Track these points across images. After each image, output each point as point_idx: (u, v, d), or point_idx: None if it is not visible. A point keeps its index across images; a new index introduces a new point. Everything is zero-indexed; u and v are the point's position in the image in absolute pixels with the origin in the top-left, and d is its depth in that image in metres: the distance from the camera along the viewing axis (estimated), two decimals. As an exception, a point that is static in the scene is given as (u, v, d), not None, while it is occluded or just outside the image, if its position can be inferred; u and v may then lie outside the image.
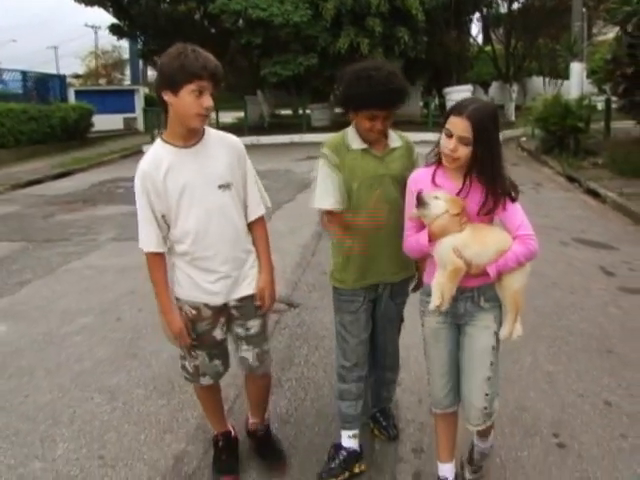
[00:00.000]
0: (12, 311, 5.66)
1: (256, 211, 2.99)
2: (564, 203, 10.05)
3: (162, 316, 2.86)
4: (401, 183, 2.90)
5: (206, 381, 3.04)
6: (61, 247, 8.03)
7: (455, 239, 2.51)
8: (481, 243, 2.51)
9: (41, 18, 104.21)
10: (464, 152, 2.46)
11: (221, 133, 2.96)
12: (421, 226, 2.65)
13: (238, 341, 3.04)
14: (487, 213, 2.55)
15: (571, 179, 12.15)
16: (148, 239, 2.79)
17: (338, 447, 3.16)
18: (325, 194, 2.92)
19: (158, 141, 2.84)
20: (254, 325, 3.01)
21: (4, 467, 3.27)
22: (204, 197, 2.78)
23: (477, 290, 2.63)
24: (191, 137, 2.78)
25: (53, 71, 34.36)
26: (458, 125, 2.44)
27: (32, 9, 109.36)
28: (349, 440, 3.16)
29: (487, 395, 2.66)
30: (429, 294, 2.65)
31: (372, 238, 2.97)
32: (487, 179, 2.51)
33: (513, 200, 2.56)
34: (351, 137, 2.96)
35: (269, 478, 3.14)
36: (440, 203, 2.52)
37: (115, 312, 5.34)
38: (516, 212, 2.55)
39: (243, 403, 3.63)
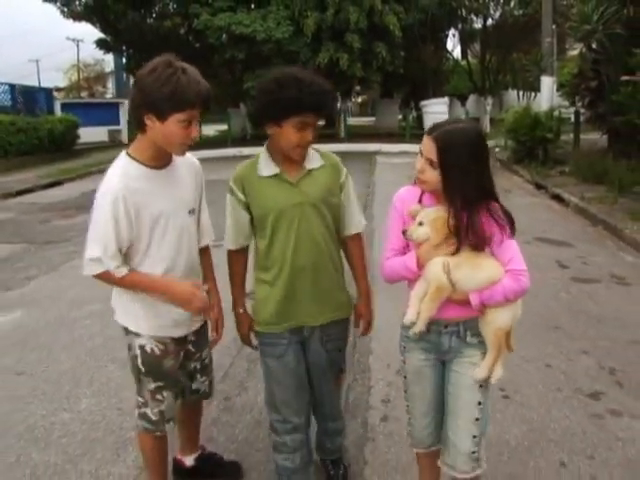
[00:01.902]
0: (24, 301, 6.24)
1: (207, 236, 2.90)
2: (530, 208, 10.75)
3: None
4: (325, 208, 2.65)
5: (168, 427, 2.82)
6: (62, 248, 8.60)
7: (449, 258, 2.31)
8: (474, 266, 2.30)
9: (22, 31, 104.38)
10: (432, 175, 2.28)
11: None
12: (404, 249, 2.46)
13: (193, 375, 2.92)
14: (479, 244, 2.29)
15: (539, 186, 12.87)
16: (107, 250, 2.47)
17: None
18: (234, 235, 2.75)
19: (125, 157, 2.56)
20: (206, 355, 2.97)
21: (39, 417, 3.87)
22: (176, 224, 2.60)
23: (462, 324, 2.43)
24: (164, 158, 2.58)
25: (35, 84, 34.59)
26: (426, 146, 2.28)
27: (13, 22, 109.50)
28: None
29: (475, 437, 2.44)
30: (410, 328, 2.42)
31: (292, 277, 2.65)
32: (455, 211, 2.26)
33: (510, 226, 2.33)
34: (263, 163, 2.62)
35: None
36: (422, 230, 2.32)
37: None
38: (508, 244, 2.31)
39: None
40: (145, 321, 2.64)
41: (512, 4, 26.72)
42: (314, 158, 2.67)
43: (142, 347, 2.65)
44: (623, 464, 3.29)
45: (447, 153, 2.23)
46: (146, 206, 2.50)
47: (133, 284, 2.55)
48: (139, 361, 2.67)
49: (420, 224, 2.33)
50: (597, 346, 4.77)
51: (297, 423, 2.78)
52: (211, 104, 2.50)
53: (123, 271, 2.48)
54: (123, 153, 2.58)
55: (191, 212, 2.68)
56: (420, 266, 2.35)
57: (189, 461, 3.15)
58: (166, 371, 2.69)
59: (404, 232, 2.37)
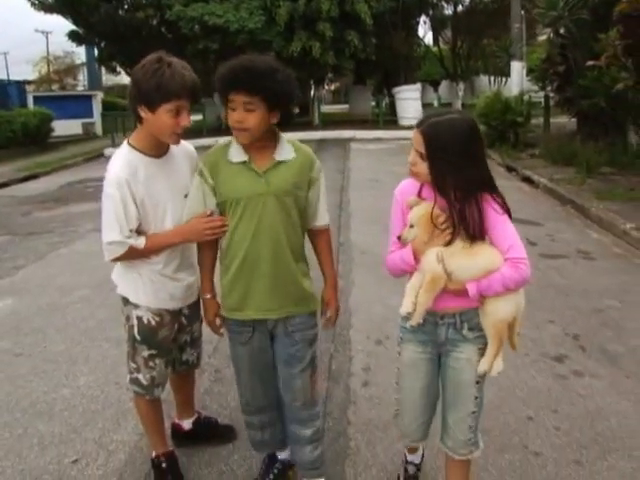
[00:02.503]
0: (15, 288, 6.44)
1: None
2: (502, 189, 10.66)
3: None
4: (290, 201, 2.62)
5: (158, 392, 3.01)
6: (46, 238, 8.77)
7: (443, 248, 2.32)
8: (469, 256, 2.29)
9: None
10: (422, 167, 2.31)
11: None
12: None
13: (184, 347, 3.13)
14: (473, 236, 2.29)
15: (510, 169, 13.25)
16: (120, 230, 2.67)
17: (272, 459, 3.07)
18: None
19: (126, 147, 2.77)
20: (197, 329, 3.17)
21: (40, 393, 4.10)
22: (174, 208, 2.78)
23: (459, 316, 2.43)
24: (161, 147, 2.78)
25: (4, 77, 34.30)
26: (415, 138, 2.31)
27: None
28: (282, 452, 3.06)
29: (471, 427, 2.54)
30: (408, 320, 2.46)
31: (250, 267, 2.64)
32: (448, 201, 2.29)
33: (507, 214, 2.34)
34: (233, 149, 2.61)
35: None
36: (412, 231, 2.37)
37: (108, 285, 5.94)
38: (507, 232, 2.29)
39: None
40: (144, 294, 2.85)
41: (482, -10, 27.10)
42: (286, 150, 2.63)
43: (139, 318, 2.87)
44: (583, 416, 3.62)
45: (433, 145, 2.25)
46: (146, 192, 2.70)
47: (154, 246, 2.75)
48: (136, 330, 2.89)
49: (411, 226, 2.36)
50: (563, 315, 5.11)
51: (262, 405, 2.87)
52: (199, 94, 2.70)
53: (142, 241, 2.70)
54: (124, 143, 2.79)
55: (187, 196, 2.82)
56: (417, 259, 2.38)
57: (187, 425, 3.40)
58: (160, 341, 2.91)
59: (399, 237, 2.42)
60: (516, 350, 2.55)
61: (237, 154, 2.58)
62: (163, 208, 2.77)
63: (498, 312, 2.32)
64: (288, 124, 2.67)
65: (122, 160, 2.71)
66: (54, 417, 3.80)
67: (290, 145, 2.67)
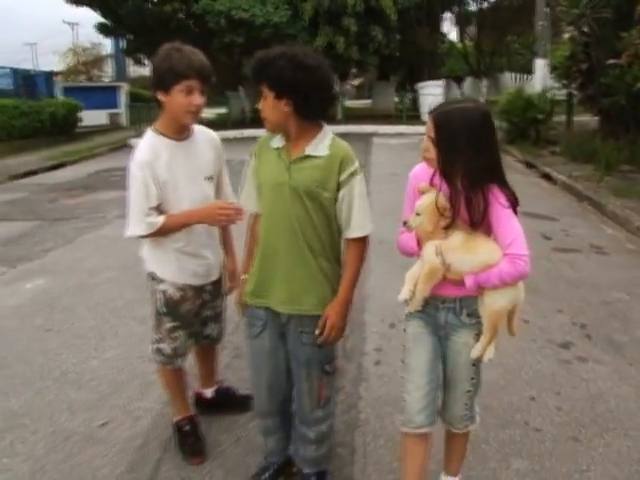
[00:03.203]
0: (45, 270, 6.73)
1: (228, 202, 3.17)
2: (520, 185, 10.97)
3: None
4: (309, 199, 2.55)
5: (179, 362, 3.22)
6: (74, 223, 9.08)
7: (443, 241, 2.38)
8: (468, 250, 2.34)
9: (18, 14, 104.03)
10: (434, 153, 2.33)
11: (203, 128, 3.18)
12: None
13: (206, 321, 3.34)
14: (474, 224, 2.33)
15: (530, 165, 13.31)
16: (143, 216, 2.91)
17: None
18: (245, 197, 2.80)
19: (150, 132, 2.99)
20: (219, 305, 3.38)
21: (70, 364, 4.37)
22: (195, 188, 2.99)
23: (459, 301, 2.49)
24: (184, 130, 2.99)
25: (31, 67, 34.82)
26: (428, 124, 2.34)
27: (8, 5, 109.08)
28: None
29: (466, 404, 2.67)
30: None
31: (265, 256, 2.67)
32: (452, 188, 2.31)
33: (513, 209, 2.34)
34: (279, 135, 2.65)
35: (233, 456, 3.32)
36: (418, 219, 2.40)
37: (134, 268, 6.27)
38: (509, 227, 2.31)
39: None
40: (170, 270, 3.07)
41: (507, -13, 27.05)
42: (321, 145, 2.55)
43: (164, 292, 3.09)
44: (585, 398, 3.79)
45: (443, 132, 2.28)
46: (168, 173, 2.92)
47: (171, 225, 2.94)
48: (160, 303, 3.11)
49: (417, 214, 2.39)
50: (571, 306, 5.27)
51: (265, 410, 2.91)
52: (209, 76, 2.89)
53: (161, 219, 2.91)
54: (149, 128, 3.03)
55: (209, 179, 3.08)
56: (420, 246, 2.44)
57: (209, 393, 3.65)
58: (183, 314, 3.13)
59: (405, 223, 2.45)
60: (515, 335, 2.66)
61: (277, 141, 2.62)
62: (183, 188, 2.97)
63: (495, 303, 2.39)
64: (322, 116, 2.61)
65: (146, 144, 2.95)
66: (83, 386, 4.06)
67: (329, 142, 2.57)
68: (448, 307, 2.52)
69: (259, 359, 2.80)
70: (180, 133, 2.99)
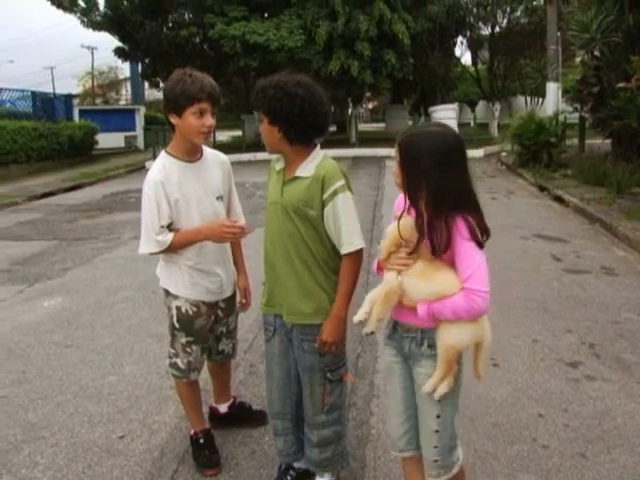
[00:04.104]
0: (64, 288, 6.88)
1: (240, 219, 3.39)
2: (531, 207, 11.30)
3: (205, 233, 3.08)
4: (297, 217, 2.71)
5: (194, 376, 3.32)
6: (91, 244, 9.26)
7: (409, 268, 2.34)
8: (425, 277, 2.29)
9: (37, 39, 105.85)
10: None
11: (213, 150, 3.33)
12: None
13: (220, 337, 3.45)
14: (435, 251, 2.27)
15: (542, 188, 13.40)
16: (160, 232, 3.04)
17: (288, 466, 3.17)
18: None
19: (163, 154, 3.14)
20: (232, 321, 3.49)
21: (89, 380, 4.49)
22: (207, 208, 3.13)
23: (421, 331, 2.40)
24: (195, 153, 3.13)
25: (50, 91, 35.35)
26: (395, 149, 2.34)
27: (29, 30, 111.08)
28: (298, 462, 3.15)
29: (436, 447, 2.46)
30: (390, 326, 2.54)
31: (265, 267, 2.92)
32: (417, 212, 2.30)
33: (477, 241, 2.23)
34: (281, 159, 2.84)
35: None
36: (382, 243, 2.42)
37: (150, 287, 6.51)
38: (468, 260, 2.23)
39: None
40: (183, 287, 3.18)
41: (518, 12, 27.31)
42: (308, 167, 2.71)
43: (178, 307, 3.20)
44: (592, 415, 3.85)
45: (406, 155, 2.27)
46: (180, 192, 3.05)
47: (180, 242, 3.07)
48: (175, 319, 3.23)
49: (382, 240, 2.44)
50: (580, 325, 5.33)
51: (276, 411, 3.05)
52: (219, 98, 3.04)
53: (169, 237, 3.04)
54: (163, 150, 3.18)
55: (219, 198, 3.21)
56: (381, 269, 2.43)
57: (223, 408, 3.74)
58: (197, 329, 3.24)
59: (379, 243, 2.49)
60: (481, 380, 2.54)
61: (279, 162, 2.83)
62: (196, 208, 3.10)
63: (449, 338, 2.30)
64: (311, 140, 2.75)
65: (158, 164, 3.10)
66: (102, 400, 4.17)
67: (316, 163, 2.72)
68: (411, 336, 2.45)
69: (271, 362, 3.00)
70: (192, 155, 3.14)
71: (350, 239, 2.71)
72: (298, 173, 2.71)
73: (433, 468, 2.50)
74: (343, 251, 2.73)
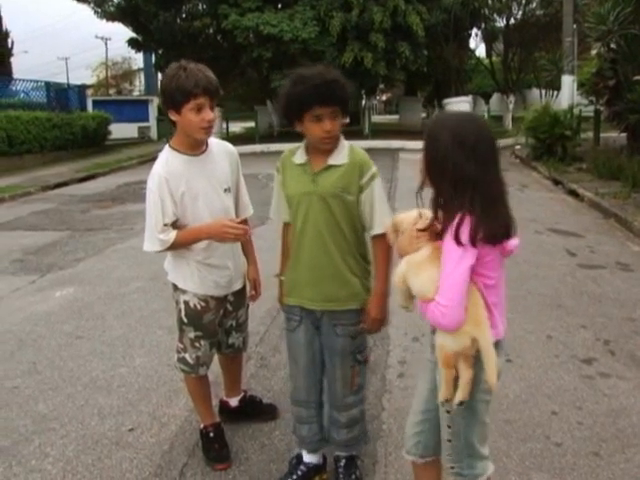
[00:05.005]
0: (76, 279, 6.89)
1: (246, 211, 3.37)
2: (545, 201, 11.21)
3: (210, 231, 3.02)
4: (335, 203, 2.77)
5: (203, 371, 3.29)
6: (103, 234, 9.28)
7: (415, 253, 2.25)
8: (418, 270, 2.20)
9: (52, 29, 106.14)
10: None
11: (219, 141, 3.28)
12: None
13: (229, 331, 3.40)
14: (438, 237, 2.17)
15: (556, 182, 13.29)
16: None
17: (299, 460, 3.18)
18: (275, 208, 3.02)
19: (167, 148, 3.07)
20: (242, 314, 3.45)
21: (99, 371, 4.48)
22: (214, 201, 3.07)
23: (431, 332, 2.35)
24: (198, 146, 3.05)
25: (64, 81, 35.46)
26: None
27: (43, 21, 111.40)
28: (309, 456, 3.15)
29: (450, 455, 2.39)
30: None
31: (296, 260, 2.91)
32: (435, 192, 2.22)
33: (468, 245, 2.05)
34: (299, 151, 2.86)
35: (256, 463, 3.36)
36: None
37: (162, 279, 6.36)
38: (444, 268, 2.10)
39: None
40: (192, 281, 3.14)
41: (534, 4, 27.08)
42: (341, 155, 2.78)
43: (186, 302, 3.17)
44: (607, 413, 3.79)
45: (426, 143, 2.26)
46: (186, 187, 2.99)
47: (182, 241, 3.01)
48: (183, 313, 3.20)
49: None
50: (595, 321, 5.27)
51: (302, 399, 3.07)
52: (217, 91, 2.94)
53: (172, 236, 2.97)
54: (166, 145, 3.11)
55: (227, 190, 3.15)
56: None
57: (233, 402, 3.71)
58: (205, 324, 3.20)
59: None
60: (493, 388, 2.24)
61: (300, 157, 2.83)
62: (202, 199, 3.04)
63: (444, 347, 2.20)
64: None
65: (162, 159, 3.04)
66: (112, 392, 4.17)
67: (347, 151, 2.80)
68: (429, 341, 2.41)
69: (296, 351, 3.03)
70: (196, 148, 3.07)
71: (383, 220, 2.77)
72: (331, 162, 2.77)
73: (451, 474, 2.46)
74: (375, 232, 2.82)
